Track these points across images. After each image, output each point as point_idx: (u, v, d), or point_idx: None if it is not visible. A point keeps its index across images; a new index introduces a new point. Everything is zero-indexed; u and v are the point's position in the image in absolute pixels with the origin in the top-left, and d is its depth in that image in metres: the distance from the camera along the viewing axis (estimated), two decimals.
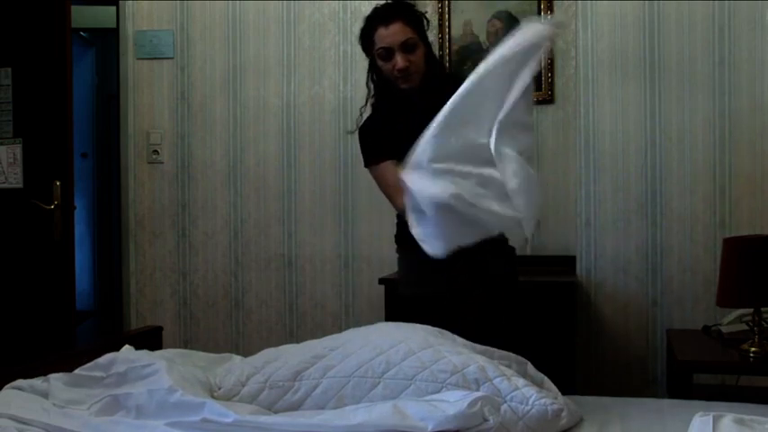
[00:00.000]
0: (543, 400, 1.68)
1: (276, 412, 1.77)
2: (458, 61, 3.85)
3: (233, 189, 3.87)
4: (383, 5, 2.39)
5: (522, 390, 1.70)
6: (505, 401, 1.67)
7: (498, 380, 1.72)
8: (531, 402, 1.67)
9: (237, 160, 3.86)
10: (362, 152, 2.48)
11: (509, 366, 1.87)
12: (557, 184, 3.78)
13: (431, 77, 2.39)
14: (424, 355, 1.78)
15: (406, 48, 2.32)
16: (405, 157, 2.26)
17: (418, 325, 2.01)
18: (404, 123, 2.35)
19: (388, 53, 2.34)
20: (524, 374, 1.90)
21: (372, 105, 2.48)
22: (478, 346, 1.95)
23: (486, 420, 1.57)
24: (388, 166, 2.37)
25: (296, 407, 1.78)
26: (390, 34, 2.32)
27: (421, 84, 2.37)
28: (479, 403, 1.57)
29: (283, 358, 1.88)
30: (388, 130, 2.41)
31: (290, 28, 3.80)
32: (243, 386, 1.83)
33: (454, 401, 1.58)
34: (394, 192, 2.28)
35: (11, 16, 3.43)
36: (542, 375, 1.96)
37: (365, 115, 2.51)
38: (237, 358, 2.12)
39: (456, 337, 1.99)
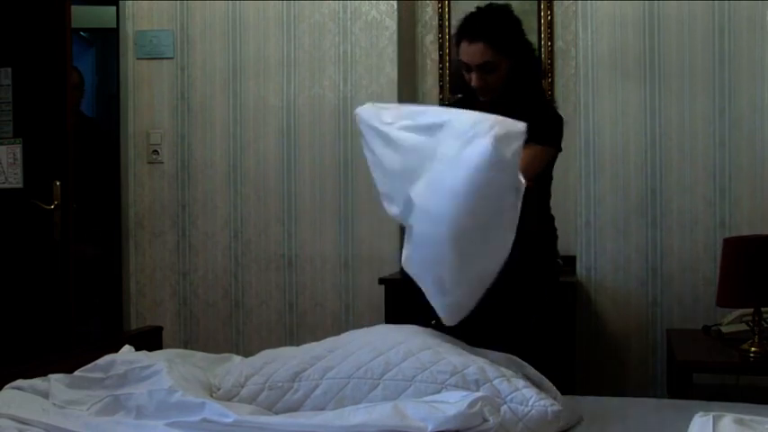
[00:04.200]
0: (543, 402, 1.68)
1: (276, 413, 1.77)
2: (458, 61, 3.85)
3: (233, 189, 3.87)
4: (473, 18, 2.36)
5: (522, 391, 1.70)
6: (505, 402, 1.66)
7: (498, 381, 1.72)
8: (530, 404, 1.67)
9: (237, 160, 3.85)
10: None
11: (508, 368, 1.87)
12: (557, 184, 3.77)
13: (507, 94, 2.37)
14: (424, 356, 1.77)
15: (484, 69, 2.32)
16: None
17: (418, 327, 2.01)
18: None
19: (467, 67, 2.35)
20: (522, 376, 1.89)
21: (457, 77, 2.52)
22: (477, 350, 1.95)
23: (486, 421, 1.57)
24: None
25: (295, 408, 1.77)
26: (471, 53, 2.32)
27: (497, 98, 2.36)
28: (479, 404, 1.57)
29: (282, 359, 1.88)
30: None
31: (290, 28, 3.80)
32: (242, 387, 1.83)
33: (454, 402, 1.58)
34: None
35: (11, 16, 3.42)
36: (541, 376, 1.96)
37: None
38: (237, 358, 2.12)
39: (455, 339, 1.99)
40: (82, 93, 4.05)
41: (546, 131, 2.37)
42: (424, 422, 1.51)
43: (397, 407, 1.57)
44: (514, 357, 1.96)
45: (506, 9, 2.39)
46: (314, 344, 1.99)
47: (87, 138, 3.99)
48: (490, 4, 2.41)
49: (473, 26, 2.32)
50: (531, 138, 2.30)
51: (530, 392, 1.70)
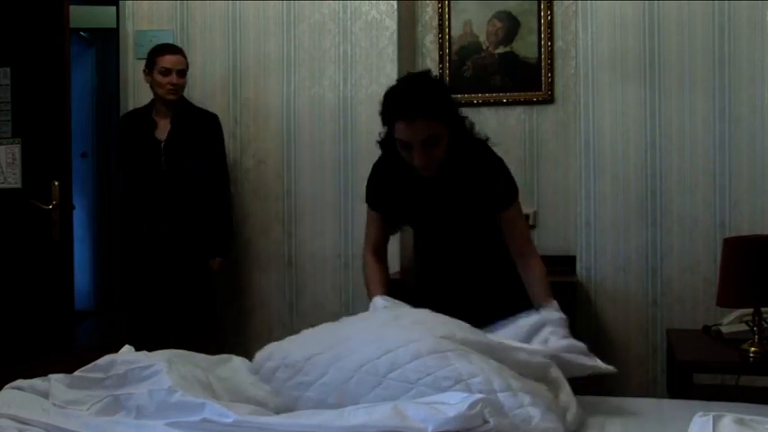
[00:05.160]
0: (546, 425, 1.65)
1: (285, 392, 1.84)
2: (458, 61, 3.86)
3: (233, 189, 3.86)
4: (404, 95, 2.19)
5: (527, 408, 1.66)
6: (508, 417, 1.63)
7: (503, 395, 1.68)
8: (533, 423, 1.64)
9: (238, 160, 3.85)
10: (366, 188, 2.51)
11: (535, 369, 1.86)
12: (557, 184, 3.78)
13: (451, 164, 2.28)
14: (431, 359, 1.75)
15: (427, 144, 2.18)
16: (392, 219, 2.47)
17: (442, 319, 1.97)
18: (407, 190, 2.36)
19: (406, 146, 2.20)
20: (544, 378, 1.87)
21: (385, 148, 2.36)
22: (506, 343, 1.92)
23: (486, 422, 1.57)
24: (373, 217, 2.51)
25: (302, 391, 1.82)
26: (411, 131, 2.16)
27: (441, 170, 2.28)
28: (480, 405, 1.56)
29: (302, 339, 2.01)
30: (390, 187, 2.41)
31: (290, 28, 3.80)
32: (267, 361, 1.94)
33: (455, 403, 1.57)
34: (366, 239, 2.54)
35: (10, 16, 3.42)
36: (562, 380, 1.94)
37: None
38: (237, 359, 2.11)
39: (475, 331, 1.95)
40: (185, 80, 3.54)
41: (509, 187, 2.35)
42: (424, 423, 1.51)
43: (397, 407, 1.57)
44: (545, 360, 1.94)
45: (431, 77, 2.27)
46: (335, 325, 2.07)
47: (207, 131, 3.56)
48: (411, 76, 2.30)
49: (408, 105, 2.15)
50: (502, 204, 2.32)
51: (535, 411, 1.66)
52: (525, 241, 2.39)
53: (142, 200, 3.50)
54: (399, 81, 2.31)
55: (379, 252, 2.52)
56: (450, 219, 2.37)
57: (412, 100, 2.16)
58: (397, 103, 2.19)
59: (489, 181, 2.31)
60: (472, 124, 2.35)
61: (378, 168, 2.47)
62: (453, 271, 2.45)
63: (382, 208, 2.47)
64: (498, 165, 2.35)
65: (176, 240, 3.45)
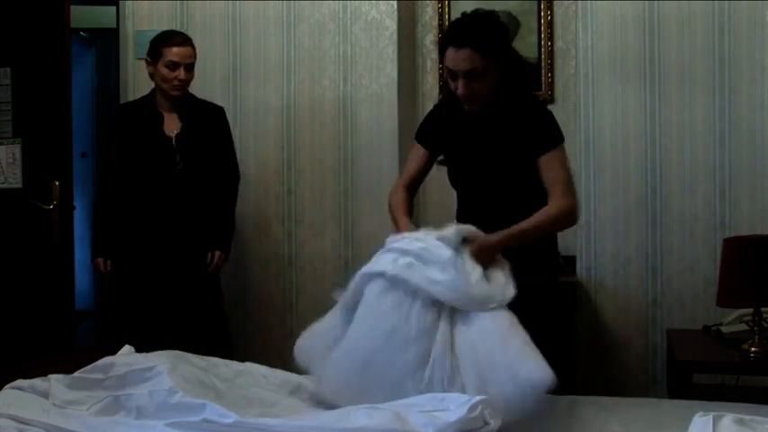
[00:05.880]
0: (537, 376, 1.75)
1: None
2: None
3: None
4: (459, 24, 2.32)
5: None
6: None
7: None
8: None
9: (238, 160, 3.85)
10: (420, 124, 2.58)
11: None
12: None
13: (497, 102, 2.33)
14: None
15: (470, 76, 2.26)
16: (437, 156, 2.50)
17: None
18: (456, 131, 2.43)
19: (453, 75, 2.30)
20: None
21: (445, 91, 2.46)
22: None
23: (486, 424, 1.57)
24: (417, 149, 2.53)
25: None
26: (457, 59, 2.25)
27: (484, 108, 2.34)
28: (479, 407, 1.56)
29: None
30: (441, 126, 2.48)
31: (290, 28, 3.80)
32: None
33: (455, 409, 1.57)
34: (403, 173, 2.57)
35: (10, 16, 3.42)
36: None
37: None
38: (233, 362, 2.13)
39: None
40: (193, 74, 3.28)
41: (553, 133, 2.36)
42: (424, 428, 1.51)
43: (397, 413, 1.57)
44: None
45: (493, 15, 2.36)
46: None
47: (215, 126, 3.39)
48: (476, 10, 2.38)
49: (459, 32, 2.27)
50: (547, 146, 2.32)
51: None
52: (558, 185, 2.29)
53: (152, 198, 3.26)
54: (464, 13, 2.38)
55: (410, 187, 2.53)
56: (489, 160, 2.38)
57: (465, 29, 2.27)
58: (451, 29, 2.34)
59: (532, 124, 2.33)
60: (529, 76, 2.41)
61: (437, 107, 2.57)
62: (490, 213, 2.39)
63: (429, 142, 2.50)
64: (544, 111, 2.41)
65: (185, 240, 3.28)
